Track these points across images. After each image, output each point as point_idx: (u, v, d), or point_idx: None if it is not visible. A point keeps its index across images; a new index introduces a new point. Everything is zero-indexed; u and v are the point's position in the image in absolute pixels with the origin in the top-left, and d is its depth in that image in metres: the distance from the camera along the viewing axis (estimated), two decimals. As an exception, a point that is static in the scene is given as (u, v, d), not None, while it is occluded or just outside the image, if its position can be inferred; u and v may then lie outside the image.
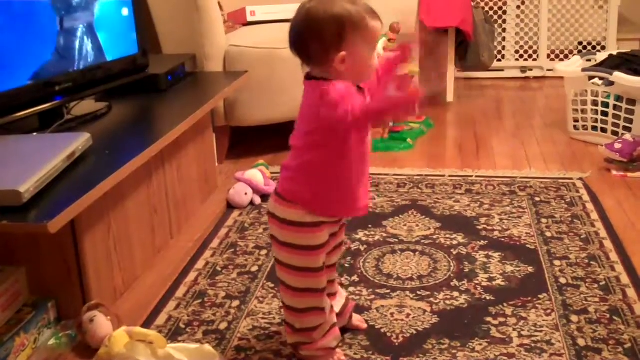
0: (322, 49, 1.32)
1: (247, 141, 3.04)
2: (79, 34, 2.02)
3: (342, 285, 1.77)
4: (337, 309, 1.56)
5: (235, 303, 1.77)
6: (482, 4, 4.03)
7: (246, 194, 2.38)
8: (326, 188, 1.40)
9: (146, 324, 1.68)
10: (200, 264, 1.98)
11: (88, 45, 2.07)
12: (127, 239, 1.86)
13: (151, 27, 2.87)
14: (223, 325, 1.68)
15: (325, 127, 1.32)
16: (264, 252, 2.05)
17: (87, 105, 2.16)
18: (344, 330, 1.59)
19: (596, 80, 2.85)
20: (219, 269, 1.95)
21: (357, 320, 1.65)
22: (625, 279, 1.83)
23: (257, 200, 2.39)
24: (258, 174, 2.42)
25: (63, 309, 1.66)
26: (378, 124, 1.37)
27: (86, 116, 2.07)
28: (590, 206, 2.29)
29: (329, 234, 1.45)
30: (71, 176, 1.60)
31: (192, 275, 1.92)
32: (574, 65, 3.00)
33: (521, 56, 4.15)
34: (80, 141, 1.70)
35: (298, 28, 1.34)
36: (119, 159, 1.72)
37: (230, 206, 2.37)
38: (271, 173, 2.56)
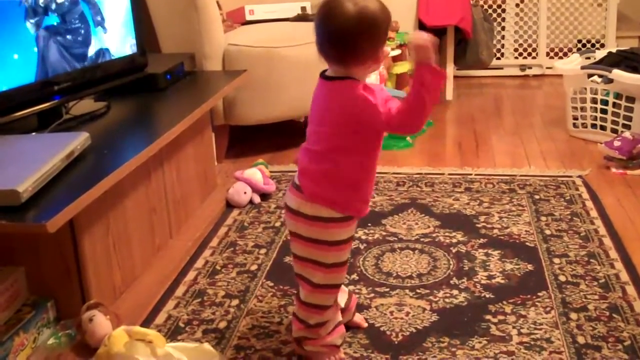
0: (374, 48, 1.31)
1: (246, 140, 3.04)
2: (77, 33, 2.02)
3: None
4: (341, 304, 1.57)
5: (235, 302, 1.77)
6: (481, 2, 4.03)
7: (245, 192, 2.38)
8: (358, 187, 1.40)
9: (145, 323, 1.68)
10: (199, 263, 1.98)
11: (87, 45, 2.06)
12: (126, 239, 1.85)
13: (150, 26, 2.87)
14: (222, 324, 1.68)
15: (367, 128, 1.33)
16: (263, 250, 2.05)
17: (86, 105, 2.16)
18: (344, 327, 1.58)
19: (595, 77, 2.85)
20: (219, 268, 1.95)
21: (358, 318, 1.65)
22: (624, 276, 1.83)
23: (257, 199, 2.39)
24: (257, 173, 2.42)
25: (62, 308, 1.66)
26: (426, 107, 1.38)
27: (85, 115, 2.07)
28: (589, 204, 2.29)
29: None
30: (70, 176, 1.60)
31: (191, 275, 1.92)
32: (573, 63, 3.00)
33: (520, 54, 4.15)
34: (78, 140, 1.70)
35: (350, 29, 1.28)
36: (117, 158, 1.71)
37: (230, 205, 2.37)
38: (270, 172, 2.56)
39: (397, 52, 3.09)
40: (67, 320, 1.65)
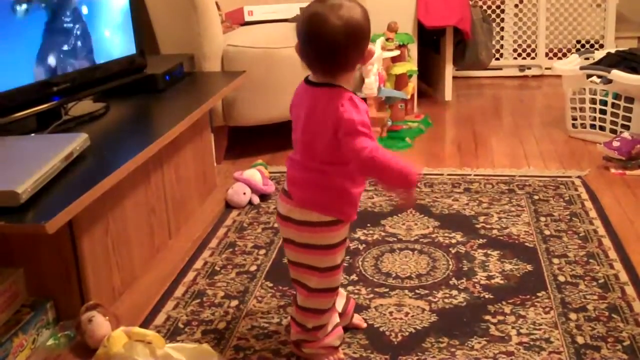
0: (360, 54, 1.32)
1: (246, 141, 3.04)
2: (76, 34, 2.02)
3: (341, 284, 1.76)
4: (339, 309, 1.57)
5: (234, 302, 1.77)
6: (480, 3, 4.03)
7: (245, 193, 2.37)
8: (347, 193, 1.39)
9: (145, 324, 1.68)
10: (198, 264, 1.98)
11: (86, 46, 2.07)
12: (126, 239, 1.85)
13: (149, 27, 2.87)
14: (222, 325, 1.68)
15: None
16: (262, 251, 2.05)
17: (85, 106, 2.16)
18: (343, 329, 1.58)
19: (594, 78, 2.85)
20: (218, 269, 1.95)
21: (357, 319, 1.65)
22: (624, 276, 1.83)
23: (256, 199, 2.39)
24: (256, 174, 2.42)
25: (61, 309, 1.66)
26: (371, 176, 1.41)
27: (84, 116, 2.07)
28: (588, 204, 2.29)
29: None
30: (69, 177, 1.60)
31: (190, 275, 1.92)
32: (572, 64, 2.99)
33: (519, 55, 4.15)
34: (78, 141, 1.70)
35: (340, 44, 1.27)
36: (116, 159, 1.71)
37: (229, 206, 2.37)
38: (270, 172, 2.56)
39: (396, 52, 3.09)
40: (66, 321, 1.65)
